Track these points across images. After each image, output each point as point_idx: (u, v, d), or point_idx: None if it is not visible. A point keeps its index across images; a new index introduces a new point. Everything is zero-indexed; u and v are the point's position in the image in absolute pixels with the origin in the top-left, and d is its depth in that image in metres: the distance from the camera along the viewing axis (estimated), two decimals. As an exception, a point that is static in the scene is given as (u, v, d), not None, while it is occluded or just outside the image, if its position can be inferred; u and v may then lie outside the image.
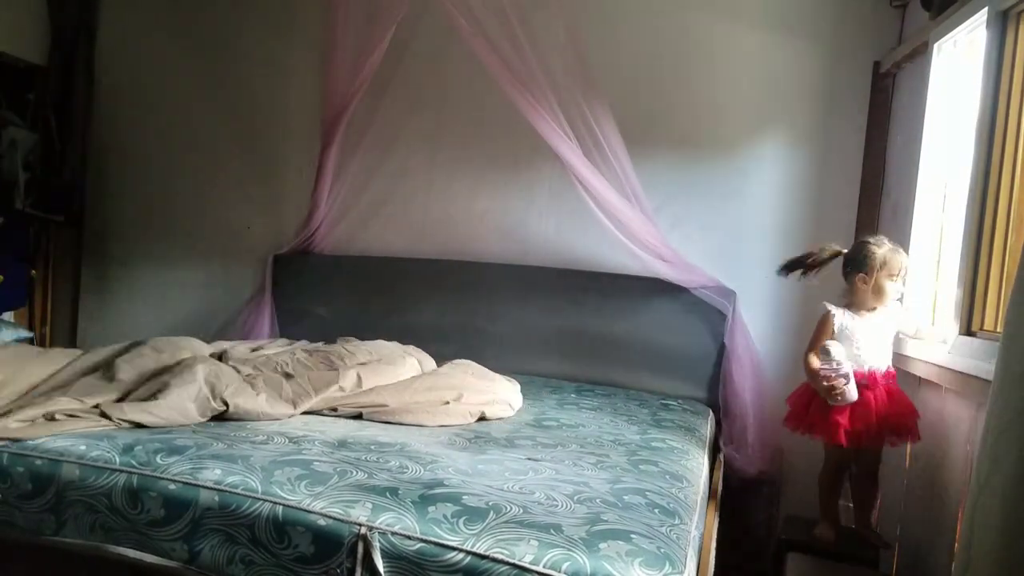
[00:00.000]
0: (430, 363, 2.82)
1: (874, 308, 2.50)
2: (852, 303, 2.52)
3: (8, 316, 3.63)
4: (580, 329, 3.32)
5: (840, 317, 2.49)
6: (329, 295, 3.62)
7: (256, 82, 3.80)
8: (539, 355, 3.35)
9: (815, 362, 2.45)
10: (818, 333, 2.51)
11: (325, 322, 3.57)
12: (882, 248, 2.48)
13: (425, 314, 3.49)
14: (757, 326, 3.19)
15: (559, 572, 1.37)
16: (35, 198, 3.66)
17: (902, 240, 2.72)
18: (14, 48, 3.62)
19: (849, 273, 2.52)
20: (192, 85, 3.87)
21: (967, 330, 2.27)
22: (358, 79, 3.35)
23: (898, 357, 2.61)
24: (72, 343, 3.97)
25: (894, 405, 2.40)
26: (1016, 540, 1.50)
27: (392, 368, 2.58)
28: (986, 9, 2.30)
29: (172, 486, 1.64)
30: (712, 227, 3.28)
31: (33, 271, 3.81)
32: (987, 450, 1.63)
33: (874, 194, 3.15)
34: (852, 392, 2.36)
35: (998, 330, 2.10)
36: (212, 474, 1.65)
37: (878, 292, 2.48)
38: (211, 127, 3.85)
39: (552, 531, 1.47)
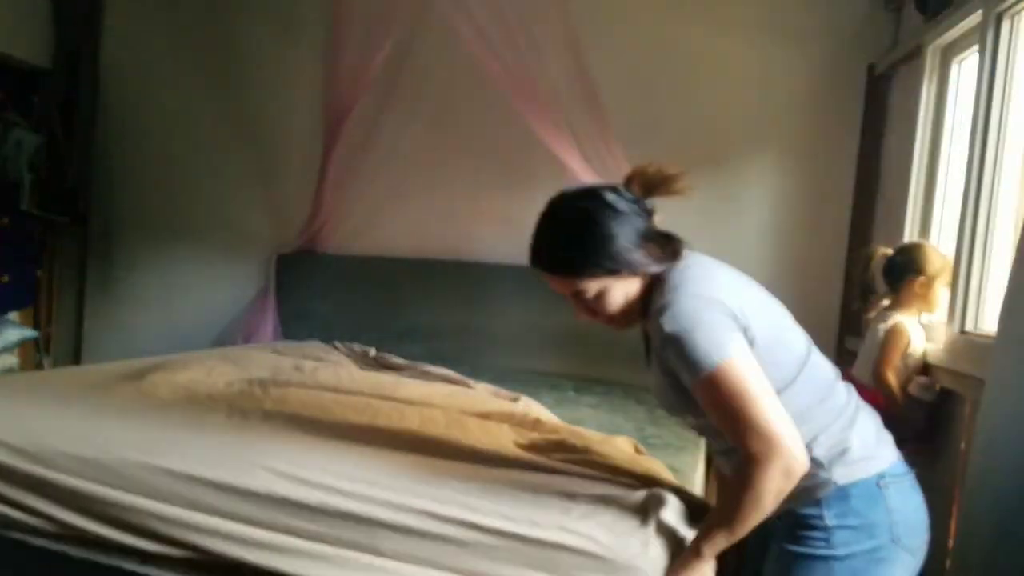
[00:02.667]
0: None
1: (920, 314, 2.42)
2: (901, 309, 2.40)
3: (13, 316, 3.66)
4: (579, 328, 3.32)
5: (913, 329, 2.37)
6: (331, 295, 3.64)
7: (260, 84, 3.83)
8: (538, 354, 3.38)
9: (896, 383, 2.34)
10: (894, 348, 2.33)
11: (327, 321, 3.60)
12: (939, 254, 2.38)
13: (426, 313, 3.52)
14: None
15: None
16: (40, 199, 3.69)
17: (897, 241, 2.74)
18: (19, 50, 3.64)
19: (901, 276, 2.39)
20: (196, 87, 3.90)
21: (962, 329, 2.30)
22: (361, 81, 3.38)
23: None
24: (77, 343, 4.00)
25: None
26: (1010, 538, 1.53)
27: None
28: (980, 12, 2.33)
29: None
30: (709, 228, 3.29)
31: (38, 271, 3.84)
32: (981, 448, 1.66)
33: (869, 195, 3.17)
34: None
35: (993, 330, 2.13)
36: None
37: (930, 300, 2.37)
38: (215, 129, 3.88)
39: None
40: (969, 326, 2.28)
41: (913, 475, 1.42)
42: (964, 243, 2.30)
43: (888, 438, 1.44)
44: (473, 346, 3.41)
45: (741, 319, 1.36)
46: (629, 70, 3.36)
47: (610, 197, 1.48)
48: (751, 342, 1.34)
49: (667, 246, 1.52)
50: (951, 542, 2.00)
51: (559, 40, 3.08)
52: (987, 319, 2.24)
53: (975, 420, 1.77)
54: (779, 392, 1.32)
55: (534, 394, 2.86)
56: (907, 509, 1.38)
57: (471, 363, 3.29)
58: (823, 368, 1.43)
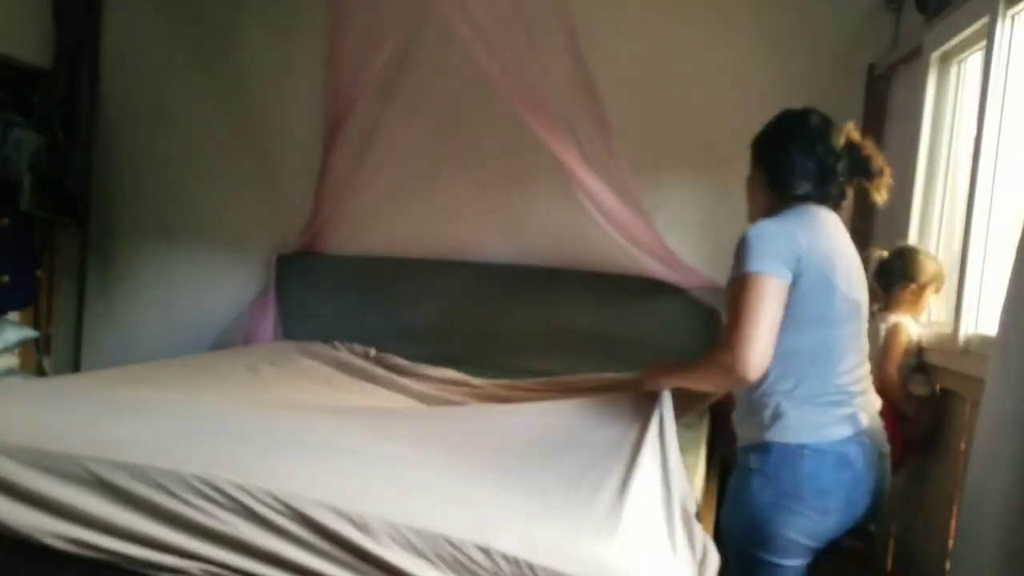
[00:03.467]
0: None
1: (908, 317, 2.44)
2: (893, 311, 2.43)
3: (13, 316, 3.66)
4: (579, 328, 3.35)
5: (913, 328, 2.39)
6: (331, 295, 3.65)
7: (260, 84, 3.83)
8: (539, 354, 3.37)
9: (898, 381, 2.35)
10: (894, 347, 2.35)
11: (327, 322, 3.61)
12: (933, 261, 2.41)
13: (426, 314, 3.52)
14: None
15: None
16: (40, 199, 3.69)
17: (896, 241, 2.74)
18: (19, 51, 3.64)
19: (893, 281, 2.43)
20: (196, 87, 3.90)
21: (962, 329, 2.30)
22: (361, 82, 3.39)
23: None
24: (77, 343, 4.00)
25: None
26: (1011, 535, 1.53)
27: None
28: (982, 11, 2.33)
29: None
30: (709, 228, 3.31)
31: (38, 271, 3.84)
32: (983, 447, 1.66)
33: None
34: None
35: (993, 330, 2.13)
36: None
37: (919, 306, 2.40)
38: (215, 129, 3.88)
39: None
40: (969, 326, 2.27)
41: (848, 457, 1.67)
42: (965, 242, 2.30)
43: (847, 424, 1.69)
44: (473, 346, 3.41)
45: (802, 257, 1.65)
46: (629, 70, 3.36)
47: (820, 128, 1.82)
48: (799, 275, 1.65)
49: (806, 197, 1.81)
50: (951, 542, 2.00)
51: (559, 40, 3.08)
52: (987, 319, 2.23)
53: (975, 420, 1.77)
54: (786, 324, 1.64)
55: (531, 393, 2.86)
56: (822, 478, 1.65)
57: (471, 363, 3.30)
58: (831, 346, 1.70)
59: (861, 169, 1.81)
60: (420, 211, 3.66)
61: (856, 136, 1.82)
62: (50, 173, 3.72)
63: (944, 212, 2.70)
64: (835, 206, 1.83)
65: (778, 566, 1.70)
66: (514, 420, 2.29)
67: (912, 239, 2.75)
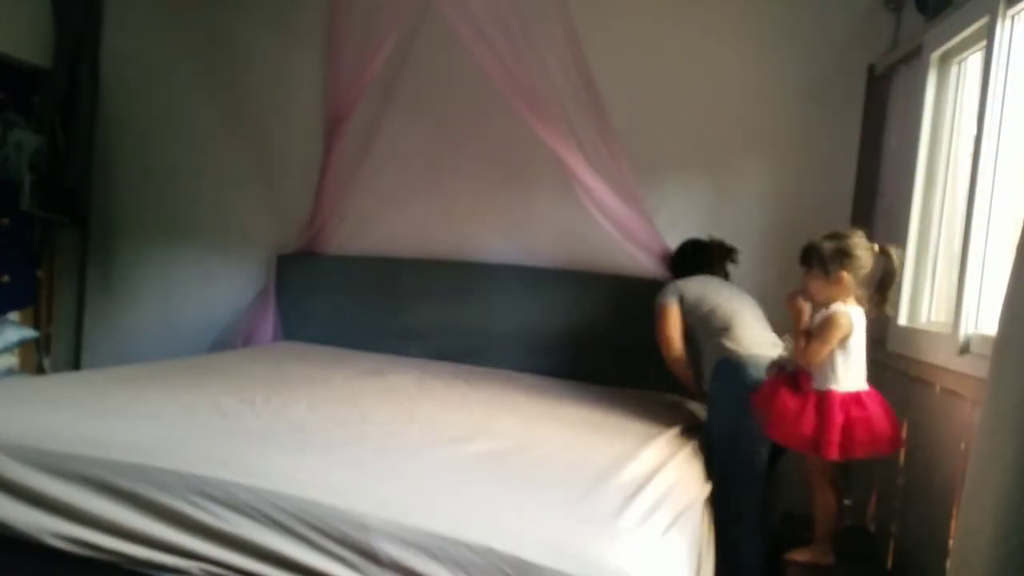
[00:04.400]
0: None
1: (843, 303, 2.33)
2: (831, 299, 2.31)
3: (13, 316, 3.66)
4: (580, 328, 3.35)
5: (856, 317, 2.28)
6: (331, 295, 3.65)
7: (260, 84, 3.84)
8: (539, 354, 3.38)
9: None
10: (833, 336, 2.24)
11: (327, 322, 3.61)
12: (863, 246, 2.31)
13: (426, 314, 3.53)
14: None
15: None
16: (41, 200, 3.69)
17: (897, 240, 2.74)
18: (19, 50, 3.65)
19: (832, 267, 2.28)
20: (197, 87, 3.90)
21: (962, 329, 2.30)
22: (361, 82, 3.39)
23: (894, 356, 2.64)
24: (77, 343, 4.01)
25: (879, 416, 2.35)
26: (1010, 534, 1.53)
27: None
28: (982, 11, 2.33)
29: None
30: (709, 228, 3.30)
31: (38, 271, 3.84)
32: (983, 446, 1.66)
33: (868, 195, 3.17)
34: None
35: (993, 330, 2.13)
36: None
37: (848, 289, 2.28)
38: (215, 129, 3.88)
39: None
40: (969, 326, 2.27)
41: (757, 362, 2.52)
42: (964, 241, 2.30)
43: (765, 348, 2.58)
44: (473, 346, 3.41)
45: (682, 292, 2.80)
46: (629, 70, 3.36)
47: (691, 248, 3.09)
48: (681, 299, 2.79)
49: (693, 270, 2.97)
50: (951, 542, 2.00)
51: (559, 40, 3.08)
52: (987, 319, 2.24)
53: (975, 420, 1.77)
54: (707, 312, 2.72)
55: (533, 394, 2.87)
56: (760, 374, 2.46)
57: (471, 363, 3.31)
58: (720, 319, 2.68)
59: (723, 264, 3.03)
60: (420, 211, 3.66)
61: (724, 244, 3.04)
62: (50, 173, 3.73)
63: (944, 212, 2.70)
64: (711, 274, 2.94)
65: (758, 452, 2.42)
66: (518, 420, 2.29)
67: (912, 239, 2.75)
